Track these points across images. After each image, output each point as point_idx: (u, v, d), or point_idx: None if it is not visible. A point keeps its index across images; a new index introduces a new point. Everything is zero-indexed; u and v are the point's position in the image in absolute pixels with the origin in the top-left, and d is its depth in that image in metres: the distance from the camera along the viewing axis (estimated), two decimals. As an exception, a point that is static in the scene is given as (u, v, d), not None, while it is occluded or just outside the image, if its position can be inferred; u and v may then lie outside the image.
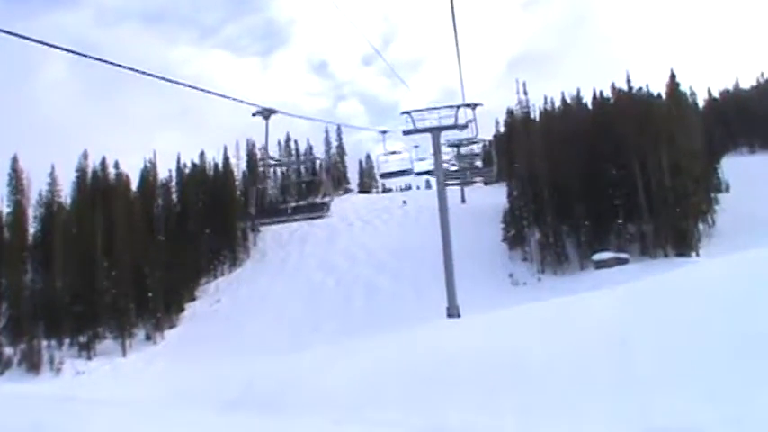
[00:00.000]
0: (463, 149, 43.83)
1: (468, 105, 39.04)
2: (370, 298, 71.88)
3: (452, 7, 12.89)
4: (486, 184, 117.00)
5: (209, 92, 12.81)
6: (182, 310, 77.82)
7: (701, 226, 71.78)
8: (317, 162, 77.96)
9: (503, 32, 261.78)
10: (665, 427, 10.36)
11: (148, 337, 72.20)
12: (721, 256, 58.77)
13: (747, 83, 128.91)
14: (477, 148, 43.30)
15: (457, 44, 20.69)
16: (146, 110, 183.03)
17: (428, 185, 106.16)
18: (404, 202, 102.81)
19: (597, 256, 68.87)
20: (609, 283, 59.81)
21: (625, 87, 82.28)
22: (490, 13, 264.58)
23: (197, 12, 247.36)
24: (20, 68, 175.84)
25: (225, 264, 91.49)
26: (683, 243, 67.74)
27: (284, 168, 73.05)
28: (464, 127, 39.50)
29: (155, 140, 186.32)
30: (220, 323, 73.29)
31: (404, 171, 39.79)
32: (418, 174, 43.08)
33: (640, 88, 79.52)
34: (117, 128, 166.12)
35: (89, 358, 67.16)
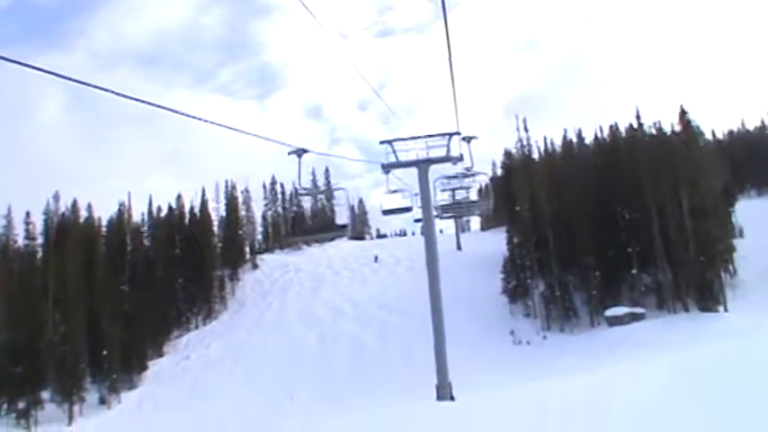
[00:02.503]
0: (458, 194, 35.98)
1: (460, 137, 31.36)
2: (353, 358, 64.19)
3: (448, 40, 11.27)
4: (483, 229, 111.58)
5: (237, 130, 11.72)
6: (145, 368, 69.64)
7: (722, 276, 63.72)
8: None
9: (498, 77, 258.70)
10: None
11: (103, 401, 63.88)
12: (753, 312, 52.06)
13: (752, 123, 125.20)
14: (472, 183, 35.49)
15: (452, 73, 15.58)
16: (138, 153, 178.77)
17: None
18: (375, 258, 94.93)
19: (610, 312, 61.06)
20: (626, 343, 52.67)
21: (633, 125, 74.88)
22: (486, 58, 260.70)
23: (191, 56, 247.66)
24: (11, 111, 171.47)
25: (199, 315, 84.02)
26: (706, 295, 59.81)
27: None
28: (458, 159, 31.68)
29: (147, 184, 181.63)
30: (186, 385, 65.57)
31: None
32: (417, 221, 35.61)
33: (657, 123, 71.78)
34: (109, 171, 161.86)
35: (27, 428, 58.60)
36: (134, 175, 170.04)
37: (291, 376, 61.79)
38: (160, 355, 74.55)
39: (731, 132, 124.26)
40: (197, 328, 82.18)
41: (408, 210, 31.42)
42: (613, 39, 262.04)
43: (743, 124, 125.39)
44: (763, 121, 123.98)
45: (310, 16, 12.00)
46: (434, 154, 31.04)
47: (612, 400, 18.73)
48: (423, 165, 30.95)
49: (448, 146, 30.76)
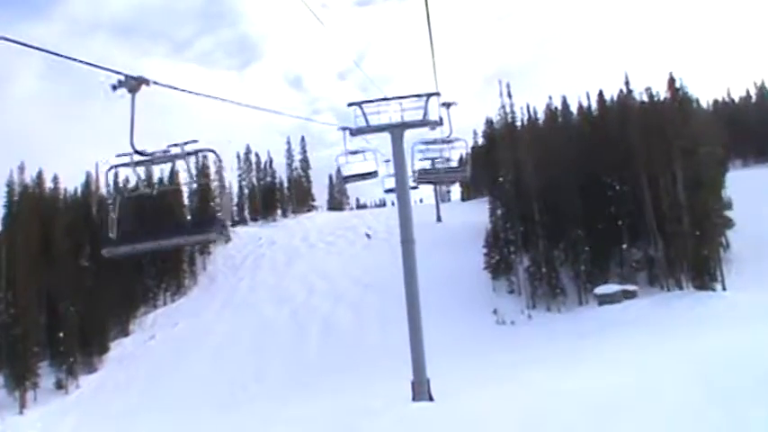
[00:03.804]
0: (437, 163, 31.49)
1: (439, 97, 27.31)
2: (327, 337, 61.00)
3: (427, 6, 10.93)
4: (463, 199, 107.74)
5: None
6: (106, 349, 65.80)
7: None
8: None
9: (479, 48, 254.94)
10: None
11: (60, 386, 59.97)
12: (752, 291, 48.79)
13: (737, 93, 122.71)
14: (451, 149, 31.22)
15: (429, 29, 14.68)
16: (113, 123, 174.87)
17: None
18: (367, 235, 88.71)
19: (601, 290, 57.48)
20: (618, 323, 48.92)
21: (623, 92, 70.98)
22: (466, 29, 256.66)
23: (169, 25, 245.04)
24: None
25: (167, 291, 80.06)
26: (702, 272, 56.24)
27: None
28: (437, 124, 27.55)
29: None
30: (150, 366, 62.15)
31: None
32: (388, 191, 31.35)
33: (648, 89, 67.86)
34: (84, 142, 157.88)
35: (-25, 417, 54.84)
36: (108, 146, 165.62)
37: (260, 357, 58.78)
38: (125, 334, 71.02)
39: (716, 102, 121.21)
40: (165, 304, 78.50)
41: (373, 175, 27.20)
42: (595, 9, 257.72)
43: (728, 94, 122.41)
44: (747, 91, 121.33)
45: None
46: (410, 118, 27.04)
47: (620, 414, 15.37)
48: (396, 129, 26.90)
49: (425, 108, 26.76)
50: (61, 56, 8.78)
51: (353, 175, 27.38)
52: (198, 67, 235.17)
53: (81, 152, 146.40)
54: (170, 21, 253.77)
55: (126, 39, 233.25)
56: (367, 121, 26.87)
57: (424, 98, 26.62)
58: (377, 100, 27.38)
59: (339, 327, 62.42)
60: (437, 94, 26.61)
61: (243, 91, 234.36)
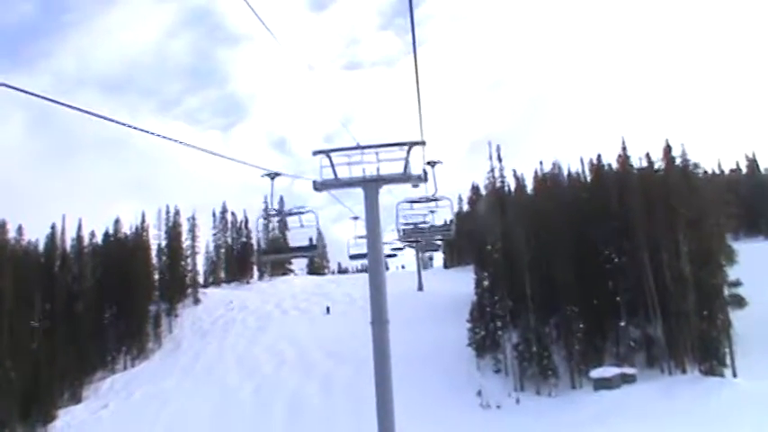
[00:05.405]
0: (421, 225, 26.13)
1: (423, 148, 22.29)
2: (293, 414, 56.22)
3: (414, 38, 9.07)
4: (446, 266, 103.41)
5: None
6: (52, 419, 60.46)
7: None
8: None
9: (464, 117, 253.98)
10: None
11: (-6, 461, 54.48)
12: (764, 378, 44.01)
13: (728, 166, 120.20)
14: (436, 208, 26.11)
15: (417, 71, 10.74)
16: (101, 178, 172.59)
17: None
18: (327, 309, 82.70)
19: (597, 373, 52.49)
20: (617, 413, 43.58)
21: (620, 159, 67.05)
22: (451, 98, 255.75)
23: (158, 83, 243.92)
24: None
25: (128, 355, 74.72)
26: (708, 355, 51.34)
27: None
28: (420, 180, 22.40)
29: (108, 209, 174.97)
30: (96, 441, 56.42)
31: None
32: (354, 257, 25.50)
33: (647, 155, 64.05)
34: (70, 195, 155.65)
35: None
36: (91, 202, 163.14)
37: (219, 434, 53.31)
38: (77, 401, 65.94)
39: (705, 173, 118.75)
40: (125, 368, 73.66)
41: (309, 250, 20.23)
42: (583, 82, 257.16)
43: (719, 166, 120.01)
44: (738, 164, 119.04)
45: (277, 47, 10.83)
46: (389, 171, 22.11)
47: None
48: (371, 184, 21.86)
49: (407, 160, 21.88)
50: (53, 101, 7.77)
51: (271, 251, 20.33)
52: (185, 125, 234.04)
53: (57, 207, 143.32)
54: (159, 78, 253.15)
55: (113, 94, 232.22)
56: (335, 172, 21.82)
57: (406, 148, 21.74)
58: (349, 148, 22.39)
59: (307, 403, 57.48)
60: (422, 143, 21.77)
61: (227, 151, 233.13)
